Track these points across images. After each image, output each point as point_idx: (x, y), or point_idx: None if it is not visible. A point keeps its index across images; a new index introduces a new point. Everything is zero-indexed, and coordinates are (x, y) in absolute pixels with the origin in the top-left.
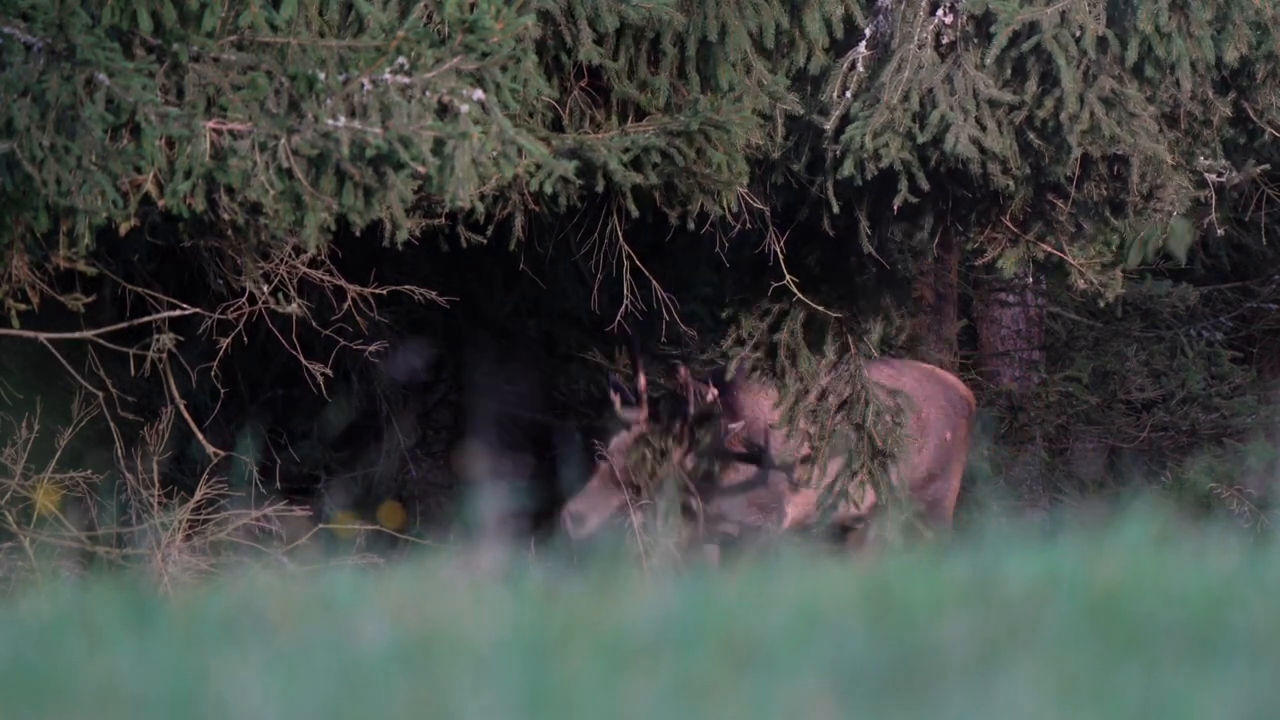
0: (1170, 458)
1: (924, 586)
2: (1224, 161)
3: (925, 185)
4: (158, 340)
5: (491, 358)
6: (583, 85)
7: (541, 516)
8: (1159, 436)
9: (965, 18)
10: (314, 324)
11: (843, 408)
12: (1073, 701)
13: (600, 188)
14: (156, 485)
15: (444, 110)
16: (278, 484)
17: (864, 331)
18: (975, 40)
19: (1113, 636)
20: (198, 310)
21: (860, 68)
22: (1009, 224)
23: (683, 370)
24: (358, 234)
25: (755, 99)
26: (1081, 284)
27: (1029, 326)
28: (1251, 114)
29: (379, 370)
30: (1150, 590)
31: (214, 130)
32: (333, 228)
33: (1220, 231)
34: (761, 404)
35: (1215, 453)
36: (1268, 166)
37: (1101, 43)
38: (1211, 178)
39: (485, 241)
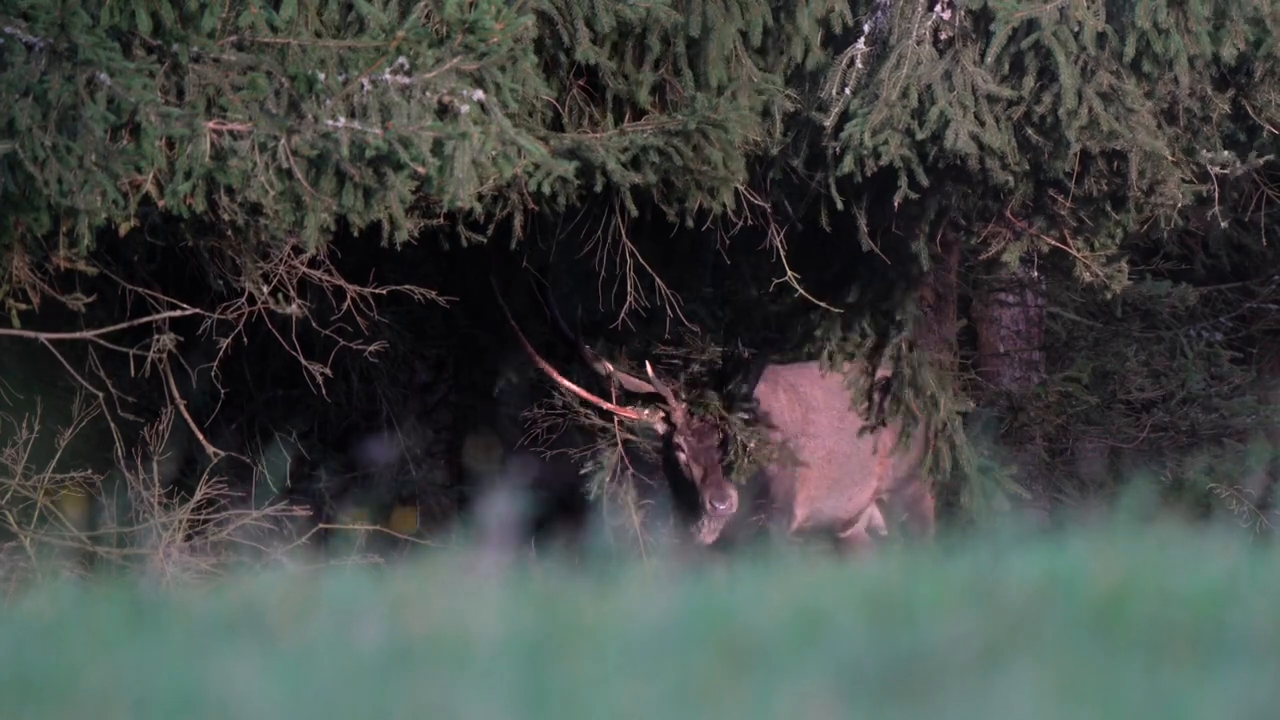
0: (1170, 458)
1: (924, 587)
2: (1226, 153)
3: (925, 181)
4: (158, 340)
5: (492, 358)
6: (580, 85)
7: (542, 518)
8: (1159, 436)
9: (963, 13)
10: (314, 324)
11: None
12: (1073, 701)
13: (599, 187)
14: (157, 485)
15: (444, 110)
16: (286, 483)
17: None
18: (973, 35)
19: (1113, 636)
20: (198, 310)
21: (859, 64)
22: (1011, 217)
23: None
24: (357, 234)
25: (750, 97)
26: (1087, 276)
27: (1029, 326)
28: (1250, 111)
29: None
30: (1151, 590)
31: (214, 130)
32: (332, 228)
33: (1224, 224)
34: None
35: (1215, 453)
36: (1271, 157)
37: (1100, 38)
38: (1214, 170)
39: (485, 241)
